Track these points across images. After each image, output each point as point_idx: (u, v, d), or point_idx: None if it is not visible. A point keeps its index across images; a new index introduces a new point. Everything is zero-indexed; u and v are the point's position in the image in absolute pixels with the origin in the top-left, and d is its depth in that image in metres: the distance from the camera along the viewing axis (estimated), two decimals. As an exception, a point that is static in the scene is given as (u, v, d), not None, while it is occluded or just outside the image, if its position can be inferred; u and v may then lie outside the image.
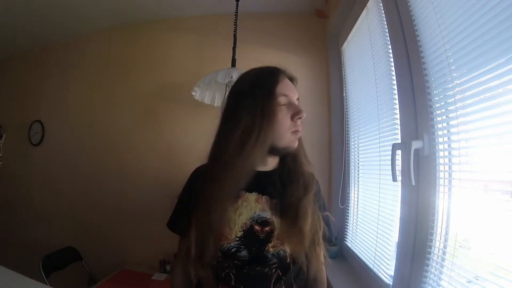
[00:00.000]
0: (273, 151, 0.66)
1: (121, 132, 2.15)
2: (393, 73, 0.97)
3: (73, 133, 2.31)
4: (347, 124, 1.59)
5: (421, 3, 0.81)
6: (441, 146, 0.75)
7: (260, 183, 0.67)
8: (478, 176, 0.65)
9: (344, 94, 1.65)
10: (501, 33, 0.53)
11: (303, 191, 0.67)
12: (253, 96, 0.64)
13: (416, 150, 0.79)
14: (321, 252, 0.73)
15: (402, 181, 0.85)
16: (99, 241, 2.08)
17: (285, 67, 0.71)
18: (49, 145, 2.39)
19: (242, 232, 0.65)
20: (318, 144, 1.76)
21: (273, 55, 1.85)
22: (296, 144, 0.68)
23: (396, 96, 0.95)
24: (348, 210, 1.52)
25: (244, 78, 0.72)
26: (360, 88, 1.40)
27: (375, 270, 1.07)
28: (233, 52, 1.58)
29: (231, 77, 1.33)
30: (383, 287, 0.98)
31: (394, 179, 0.83)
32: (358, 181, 1.44)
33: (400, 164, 0.86)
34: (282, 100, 0.65)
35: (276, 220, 0.66)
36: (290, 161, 0.70)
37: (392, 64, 0.97)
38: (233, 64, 1.55)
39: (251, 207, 0.66)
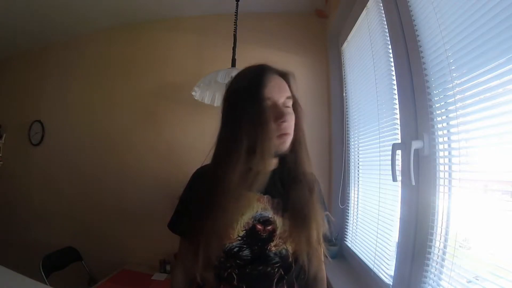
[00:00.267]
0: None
1: (121, 132, 2.15)
2: (393, 73, 0.97)
3: (73, 133, 2.31)
4: (347, 124, 1.59)
5: (421, 3, 0.81)
6: (441, 146, 0.75)
7: (261, 183, 0.67)
8: (478, 176, 0.65)
9: (344, 94, 1.65)
10: (501, 33, 0.53)
11: (308, 191, 0.67)
12: (242, 101, 0.64)
13: (416, 150, 0.79)
14: (322, 251, 0.74)
15: (402, 181, 0.85)
16: (99, 241, 2.08)
17: (276, 63, 0.70)
18: (49, 145, 2.39)
19: (244, 231, 0.65)
20: (318, 144, 1.76)
21: (273, 55, 1.85)
22: (285, 147, 0.65)
23: (396, 96, 0.95)
24: (348, 210, 1.52)
25: (235, 81, 0.73)
26: (360, 88, 1.39)
27: (375, 270, 1.07)
28: (233, 52, 1.58)
29: (231, 77, 1.33)
30: (383, 287, 0.98)
31: (394, 179, 0.83)
32: (358, 181, 1.44)
33: (400, 164, 0.86)
34: (266, 103, 0.63)
35: (278, 219, 0.66)
36: (290, 161, 0.70)
37: (392, 64, 0.97)
38: (233, 64, 1.55)
39: (253, 207, 0.66)
